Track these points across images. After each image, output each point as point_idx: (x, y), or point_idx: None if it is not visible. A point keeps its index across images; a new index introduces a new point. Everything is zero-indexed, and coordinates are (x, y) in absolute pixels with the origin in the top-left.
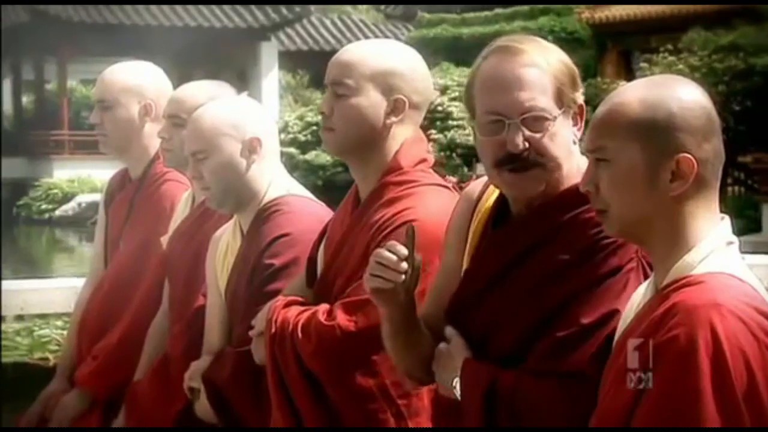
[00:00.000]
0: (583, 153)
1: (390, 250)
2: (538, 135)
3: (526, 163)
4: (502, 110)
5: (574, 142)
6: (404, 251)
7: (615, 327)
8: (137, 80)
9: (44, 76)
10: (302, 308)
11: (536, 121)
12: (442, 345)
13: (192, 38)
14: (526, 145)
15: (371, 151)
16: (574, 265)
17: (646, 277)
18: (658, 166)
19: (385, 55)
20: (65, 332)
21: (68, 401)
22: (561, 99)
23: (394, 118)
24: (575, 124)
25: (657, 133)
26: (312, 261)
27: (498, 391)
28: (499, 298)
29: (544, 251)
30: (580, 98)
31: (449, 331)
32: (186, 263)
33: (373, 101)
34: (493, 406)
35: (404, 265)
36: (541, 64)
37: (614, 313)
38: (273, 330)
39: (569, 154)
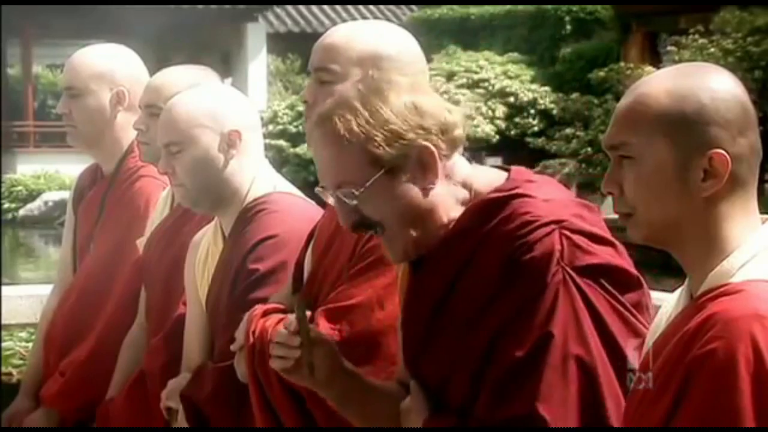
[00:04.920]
0: (599, 151)
1: (285, 326)
2: (354, 203)
3: (376, 229)
4: (326, 186)
5: (428, 188)
6: (294, 325)
7: (554, 351)
8: (109, 65)
9: (6, 60)
10: (282, 316)
11: (348, 195)
12: (405, 402)
13: (171, 19)
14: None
15: None
16: (495, 295)
17: (578, 289)
18: (688, 164)
19: (373, 37)
20: (30, 345)
21: (34, 422)
22: (377, 160)
23: None
24: (422, 170)
25: (687, 128)
26: (300, 266)
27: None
28: (438, 346)
29: (462, 288)
30: (417, 141)
31: (412, 385)
32: (165, 269)
33: None
34: None
35: (296, 339)
36: (342, 136)
37: (549, 337)
38: (251, 342)
39: (408, 207)
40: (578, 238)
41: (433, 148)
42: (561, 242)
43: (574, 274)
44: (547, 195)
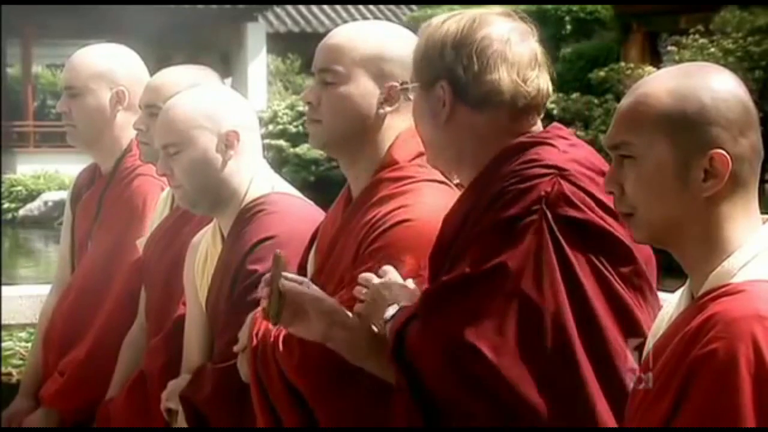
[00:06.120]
0: (600, 151)
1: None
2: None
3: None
4: None
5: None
6: (267, 276)
7: (503, 282)
8: (109, 65)
9: (6, 60)
10: None
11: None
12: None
13: (171, 19)
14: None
15: (363, 145)
16: (476, 223)
17: (552, 234)
18: (689, 164)
19: (376, 38)
20: (30, 345)
21: (33, 422)
22: (418, 73)
23: (388, 108)
24: (440, 106)
25: (688, 128)
26: (302, 269)
27: (405, 337)
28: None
29: (468, 225)
30: (439, 83)
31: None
32: (165, 270)
33: (364, 89)
34: (403, 352)
35: (265, 290)
36: (427, 34)
37: (501, 268)
38: (254, 343)
39: (422, 129)
40: (574, 192)
41: (445, 96)
42: (552, 187)
43: (552, 220)
44: (569, 150)
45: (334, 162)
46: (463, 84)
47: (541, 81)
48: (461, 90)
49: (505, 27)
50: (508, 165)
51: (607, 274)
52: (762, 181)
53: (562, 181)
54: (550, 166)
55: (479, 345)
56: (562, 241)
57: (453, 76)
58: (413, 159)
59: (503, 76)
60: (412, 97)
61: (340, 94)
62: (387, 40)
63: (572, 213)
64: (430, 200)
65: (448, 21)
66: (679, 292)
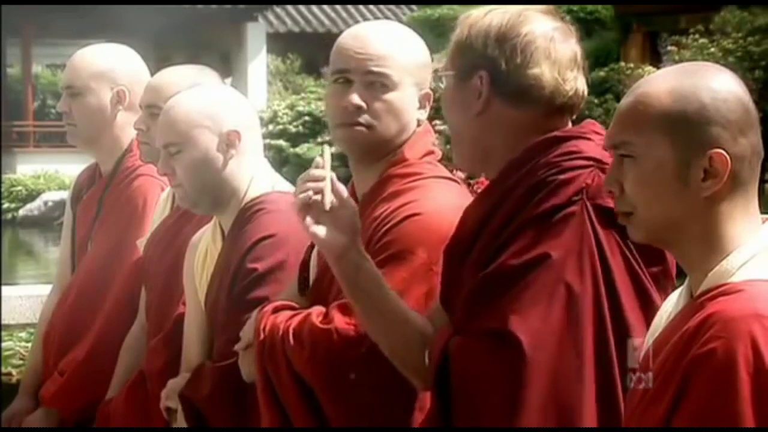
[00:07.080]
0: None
1: (316, 165)
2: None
3: None
4: None
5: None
6: (321, 163)
7: (547, 271)
8: (109, 64)
9: (5, 60)
10: (293, 312)
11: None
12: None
13: (171, 19)
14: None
15: (394, 148)
16: (515, 213)
17: (592, 225)
18: (688, 164)
19: (414, 44)
20: (30, 345)
21: (33, 422)
22: (453, 61)
23: (425, 113)
24: (476, 97)
25: (687, 127)
26: (305, 266)
27: (449, 354)
28: (465, 278)
29: (497, 216)
30: (477, 73)
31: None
32: (165, 270)
33: (410, 96)
34: (447, 371)
35: (323, 171)
36: (467, 23)
37: (544, 258)
38: (262, 337)
39: (452, 119)
40: None
41: (483, 87)
42: (593, 179)
43: (592, 211)
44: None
45: (334, 162)
46: (503, 76)
47: (579, 82)
48: (500, 82)
49: (549, 25)
50: (544, 156)
51: (638, 269)
52: (762, 181)
53: (602, 174)
54: (590, 158)
55: (519, 335)
56: (600, 233)
57: (494, 67)
58: (423, 156)
59: (545, 72)
60: (443, 85)
61: (394, 100)
62: (420, 45)
63: (609, 203)
64: (438, 196)
65: (491, 13)
66: (678, 291)
